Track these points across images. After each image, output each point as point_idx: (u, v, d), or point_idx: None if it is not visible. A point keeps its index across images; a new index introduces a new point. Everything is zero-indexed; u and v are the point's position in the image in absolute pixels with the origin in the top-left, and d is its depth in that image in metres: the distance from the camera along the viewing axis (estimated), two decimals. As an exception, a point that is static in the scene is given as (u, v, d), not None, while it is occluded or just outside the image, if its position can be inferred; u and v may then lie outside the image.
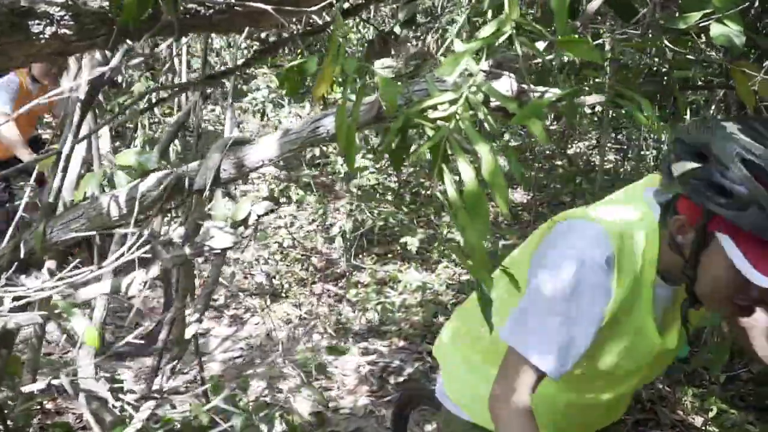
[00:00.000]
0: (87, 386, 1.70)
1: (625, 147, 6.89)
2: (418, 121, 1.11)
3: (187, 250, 1.21)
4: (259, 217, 1.27)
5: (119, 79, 5.98)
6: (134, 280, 1.22)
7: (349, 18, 1.37)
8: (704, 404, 2.89)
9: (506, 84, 1.19)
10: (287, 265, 4.23)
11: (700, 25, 1.43)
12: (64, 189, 1.52)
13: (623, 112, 6.16)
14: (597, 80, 1.67)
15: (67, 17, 1.03)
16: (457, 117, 1.07)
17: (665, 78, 1.58)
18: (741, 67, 1.48)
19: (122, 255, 1.12)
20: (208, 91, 1.63)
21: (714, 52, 1.59)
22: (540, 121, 1.06)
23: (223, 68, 4.11)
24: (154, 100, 3.10)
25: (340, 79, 1.18)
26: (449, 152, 1.09)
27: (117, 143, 4.52)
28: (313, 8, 1.10)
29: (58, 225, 1.21)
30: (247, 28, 1.73)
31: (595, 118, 6.78)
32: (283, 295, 3.90)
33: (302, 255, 4.30)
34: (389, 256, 4.64)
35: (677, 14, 1.46)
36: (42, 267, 1.28)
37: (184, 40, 3.16)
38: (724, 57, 1.44)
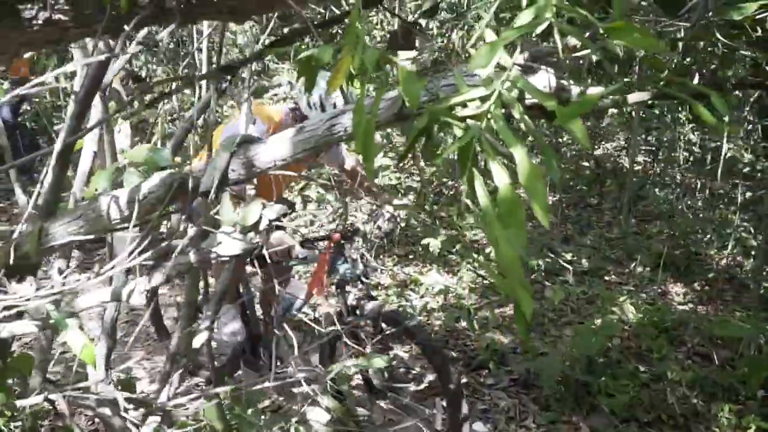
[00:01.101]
0: (98, 392, 1.63)
1: (655, 148, 6.69)
2: (444, 120, 0.99)
3: (193, 257, 1.11)
4: (270, 222, 1.17)
5: (143, 73, 5.95)
6: (136, 288, 1.13)
7: (371, 6, 1.27)
8: (741, 422, 2.73)
9: (543, 79, 1.07)
10: (304, 266, 4.14)
11: (757, 17, 1.31)
12: (76, 186, 1.44)
13: (655, 111, 5.96)
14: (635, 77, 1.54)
15: (62, 2, 0.94)
16: (489, 115, 0.96)
17: (713, 75, 1.45)
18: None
19: (126, 259, 1.03)
20: (224, 86, 1.53)
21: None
22: (581, 122, 0.94)
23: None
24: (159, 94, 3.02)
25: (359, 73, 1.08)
26: (479, 154, 0.98)
27: (137, 138, 4.48)
28: (331, -7, 0.99)
29: (55, 227, 1.13)
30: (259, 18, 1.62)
31: (624, 119, 6.59)
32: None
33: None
34: (410, 257, 4.53)
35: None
36: (36, 272, 1.19)
37: (206, 32, 3.08)
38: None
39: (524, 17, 0.96)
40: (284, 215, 1.18)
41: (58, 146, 1.05)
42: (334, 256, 2.64)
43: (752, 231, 4.85)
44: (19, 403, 1.14)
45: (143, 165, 1.55)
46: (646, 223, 5.52)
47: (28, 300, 1.03)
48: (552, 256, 4.48)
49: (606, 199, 6.01)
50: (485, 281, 4.17)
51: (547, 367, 2.82)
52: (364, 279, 2.64)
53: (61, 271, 1.38)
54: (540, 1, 0.94)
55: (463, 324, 3.57)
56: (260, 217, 1.15)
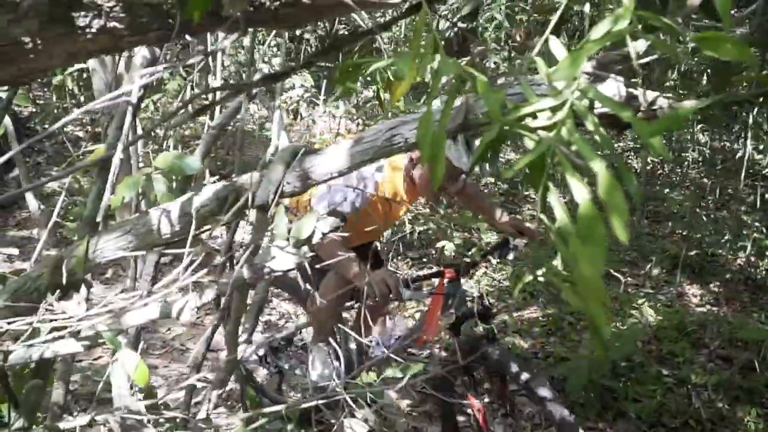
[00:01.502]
0: (122, 402, 1.59)
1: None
2: (516, 131, 0.96)
3: (246, 273, 1.07)
4: (324, 234, 1.13)
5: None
6: (186, 305, 1.09)
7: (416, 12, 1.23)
8: (769, 426, 2.71)
9: (613, 88, 1.04)
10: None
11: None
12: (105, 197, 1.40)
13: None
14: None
15: (117, 8, 0.90)
16: (564, 126, 0.93)
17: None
18: None
19: (176, 278, 1.00)
20: (254, 91, 1.50)
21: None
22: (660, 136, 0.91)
23: (266, 69, 4.00)
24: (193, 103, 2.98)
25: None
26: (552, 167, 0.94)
27: (148, 143, 4.44)
28: (396, 0, 0.96)
29: (102, 242, 1.09)
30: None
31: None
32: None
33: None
34: (425, 260, 4.50)
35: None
36: (81, 289, 1.16)
37: (221, 37, 3.04)
38: None
39: (602, 26, 0.93)
40: (336, 228, 1.14)
41: (118, 156, 1.02)
42: (448, 294, 2.34)
43: (764, 231, 4.83)
44: (62, 425, 1.10)
45: (170, 173, 1.52)
46: (657, 224, 5.50)
47: (79, 320, 0.99)
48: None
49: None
50: (502, 284, 4.13)
51: (574, 372, 2.79)
52: (482, 320, 2.30)
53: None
54: (620, 10, 0.91)
55: (481, 328, 3.53)
56: (314, 230, 1.12)
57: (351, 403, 1.36)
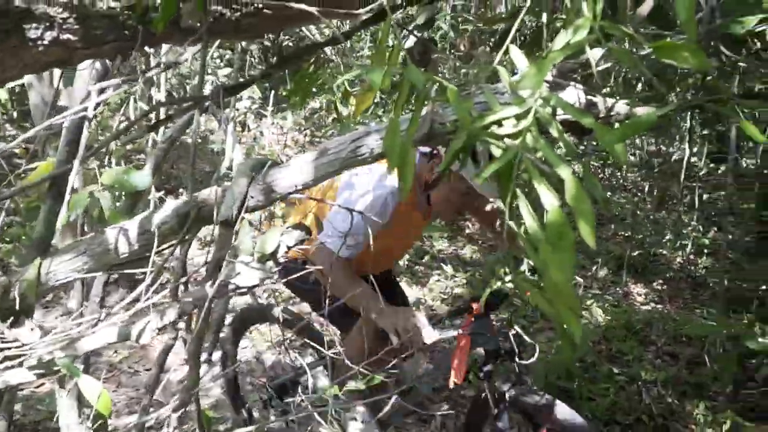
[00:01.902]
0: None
1: (605, 152, 6.88)
2: (484, 139, 0.96)
3: (209, 290, 1.04)
4: (289, 248, 1.11)
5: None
6: (147, 326, 1.05)
7: (378, 22, 1.23)
8: (717, 417, 2.81)
9: (573, 95, 1.06)
10: (273, 283, 4.04)
11: (757, 31, 1.33)
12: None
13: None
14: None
15: (71, 20, 0.86)
16: (530, 133, 0.94)
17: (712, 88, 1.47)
18: (799, 74, 1.37)
19: (137, 299, 0.96)
20: (206, 104, 1.46)
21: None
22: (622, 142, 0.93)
23: (212, 81, 3.88)
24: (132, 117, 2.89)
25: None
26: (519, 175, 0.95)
27: (89, 160, 4.27)
28: (361, 11, 0.95)
29: (54, 264, 1.04)
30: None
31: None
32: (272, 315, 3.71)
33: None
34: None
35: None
36: (33, 313, 1.10)
37: (164, 49, 2.96)
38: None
39: (564, 36, 0.95)
40: (302, 241, 1.12)
41: (75, 172, 0.97)
42: (476, 332, 2.12)
43: (701, 230, 5.05)
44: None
45: (119, 189, 1.47)
46: (601, 226, 5.66)
47: (33, 347, 0.94)
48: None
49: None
50: (455, 291, 4.17)
51: (531, 375, 2.83)
52: (514, 359, 2.09)
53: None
54: (580, 20, 0.93)
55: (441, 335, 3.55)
56: (278, 245, 1.09)
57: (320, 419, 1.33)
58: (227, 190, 1.04)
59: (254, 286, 1.07)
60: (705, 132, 5.23)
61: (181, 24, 0.95)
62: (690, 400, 2.97)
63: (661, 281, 4.53)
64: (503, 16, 2.07)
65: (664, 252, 4.91)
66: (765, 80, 1.44)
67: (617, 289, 4.31)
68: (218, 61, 6.02)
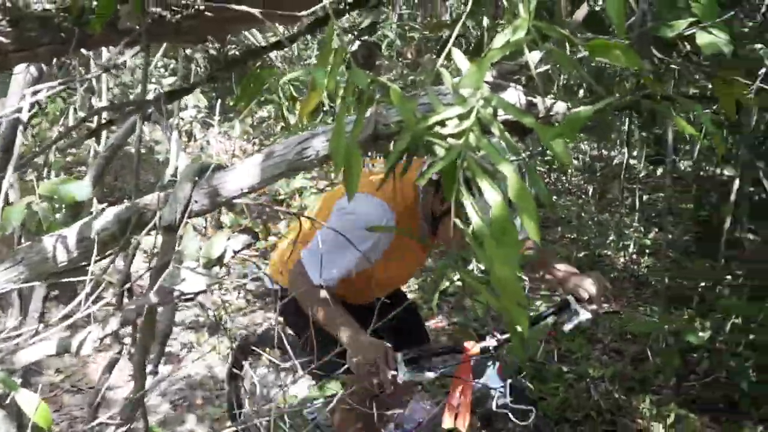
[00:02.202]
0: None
1: (551, 156, 7.06)
2: (428, 140, 0.98)
3: (153, 298, 1.02)
4: (236, 253, 1.10)
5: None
6: (88, 337, 1.01)
7: (322, 26, 1.23)
8: (661, 410, 2.90)
9: (513, 96, 1.08)
10: (222, 294, 3.98)
11: (686, 34, 1.40)
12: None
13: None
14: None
15: (3, 22, 0.84)
16: (472, 133, 0.95)
17: (645, 90, 1.53)
18: (728, 76, 1.44)
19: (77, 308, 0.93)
20: (149, 111, 1.44)
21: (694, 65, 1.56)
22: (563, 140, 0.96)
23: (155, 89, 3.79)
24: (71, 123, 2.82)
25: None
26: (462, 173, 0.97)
27: (24, 169, 4.13)
28: (303, 12, 0.95)
29: (-12, 275, 1.00)
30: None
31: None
32: (222, 327, 3.65)
33: (238, 283, 4.06)
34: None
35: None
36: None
37: (105, 56, 2.89)
38: (710, 67, 1.40)
39: (502, 37, 0.97)
40: (248, 245, 1.11)
41: (7, 179, 0.93)
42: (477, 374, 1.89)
43: (642, 230, 5.22)
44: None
45: (57, 201, 1.42)
46: (547, 229, 5.79)
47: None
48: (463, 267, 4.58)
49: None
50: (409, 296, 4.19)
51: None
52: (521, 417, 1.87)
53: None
54: (517, 21, 0.95)
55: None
56: (225, 250, 1.08)
57: None
58: (170, 194, 1.02)
59: (200, 293, 1.06)
60: (643, 134, 5.43)
61: (118, 26, 0.93)
62: (636, 395, 3.07)
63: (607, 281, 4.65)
64: (447, 22, 2.11)
65: (609, 253, 5.05)
66: (697, 83, 1.51)
67: (565, 289, 4.41)
68: (162, 70, 5.91)
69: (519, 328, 0.92)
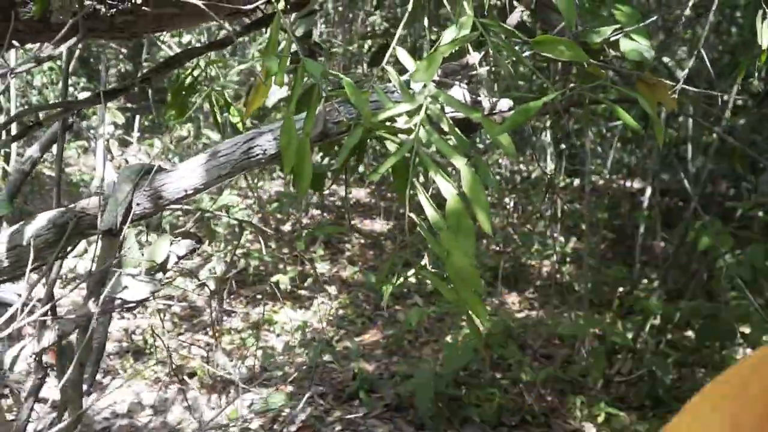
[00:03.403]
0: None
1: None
2: (380, 135, 0.98)
3: (93, 307, 0.96)
4: (179, 258, 1.05)
5: None
6: (22, 353, 0.94)
7: (264, 27, 1.21)
8: (592, 410, 3.00)
9: (458, 93, 1.10)
10: (147, 317, 3.82)
11: (611, 40, 1.47)
12: None
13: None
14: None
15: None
16: (423, 128, 0.96)
17: (572, 91, 1.60)
18: (649, 80, 1.53)
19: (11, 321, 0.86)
20: (71, 121, 1.37)
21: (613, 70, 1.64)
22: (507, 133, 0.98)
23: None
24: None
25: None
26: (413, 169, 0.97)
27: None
28: (249, 6, 0.94)
29: None
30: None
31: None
32: (147, 351, 3.49)
33: (162, 304, 3.90)
34: (259, 297, 4.38)
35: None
36: None
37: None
38: (635, 69, 1.48)
39: (450, 33, 0.99)
40: (193, 251, 1.07)
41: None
42: None
43: (562, 240, 5.43)
44: None
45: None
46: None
47: None
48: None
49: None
50: (340, 312, 4.16)
51: (420, 387, 2.87)
52: None
53: None
54: (463, 18, 0.97)
55: (326, 357, 3.51)
56: (168, 255, 1.03)
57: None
58: (110, 197, 0.97)
59: (143, 300, 1.00)
60: (562, 147, 5.66)
61: (51, 20, 0.89)
62: (567, 397, 3.15)
63: (532, 290, 4.80)
64: (377, 32, 2.12)
65: (533, 263, 5.21)
66: (620, 88, 1.59)
67: (493, 299, 4.51)
68: (71, 89, 5.64)
69: (477, 321, 0.93)
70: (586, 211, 4.53)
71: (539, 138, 6.84)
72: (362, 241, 5.75)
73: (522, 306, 4.51)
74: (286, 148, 0.95)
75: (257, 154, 1.03)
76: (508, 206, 6.42)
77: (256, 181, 4.86)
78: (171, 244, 1.03)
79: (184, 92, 1.52)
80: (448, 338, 3.77)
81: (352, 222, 6.17)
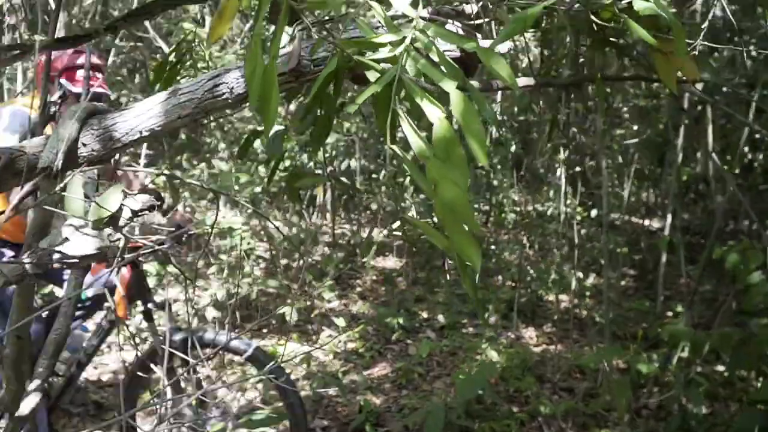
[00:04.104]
0: None
1: (488, 208, 7.10)
2: (359, 59, 0.86)
3: (29, 261, 0.83)
4: (135, 214, 0.92)
5: None
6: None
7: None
8: (617, 445, 2.76)
9: (452, 30, 0.98)
10: (141, 343, 3.66)
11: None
12: None
13: (482, 173, 6.34)
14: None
15: None
16: (410, 55, 0.84)
17: (585, 66, 1.48)
18: (665, 48, 1.40)
19: None
20: None
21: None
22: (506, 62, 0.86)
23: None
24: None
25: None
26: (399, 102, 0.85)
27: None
28: None
29: None
30: None
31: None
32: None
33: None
34: (264, 330, 4.22)
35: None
36: None
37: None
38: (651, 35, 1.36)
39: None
40: (151, 207, 0.94)
41: None
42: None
43: (581, 276, 5.22)
44: None
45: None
46: (489, 278, 5.72)
47: None
48: (409, 314, 4.44)
49: (448, 260, 6.18)
50: (349, 345, 3.97)
51: (431, 416, 2.66)
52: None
53: None
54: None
55: (332, 391, 3.32)
56: (121, 208, 0.91)
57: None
58: (52, 133, 0.85)
59: (88, 257, 0.87)
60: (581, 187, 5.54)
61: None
62: (589, 430, 2.92)
63: (550, 324, 4.58)
64: None
65: (550, 298, 5.00)
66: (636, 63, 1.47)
67: (509, 333, 4.30)
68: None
69: (469, 264, 0.78)
70: (604, 244, 4.34)
71: (554, 175, 6.73)
72: (374, 277, 5.60)
73: (540, 340, 4.29)
74: (251, 76, 0.83)
75: (223, 93, 0.91)
76: (523, 242, 6.25)
77: (267, 209, 4.77)
78: (126, 197, 0.91)
79: (168, 68, 1.43)
80: (467, 369, 3.56)
81: (363, 260, 6.04)
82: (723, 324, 3.75)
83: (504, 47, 1.01)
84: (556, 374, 3.54)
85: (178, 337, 2.41)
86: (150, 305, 2.50)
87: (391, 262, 6.10)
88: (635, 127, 5.90)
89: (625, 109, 6.21)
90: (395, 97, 0.81)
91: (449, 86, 0.79)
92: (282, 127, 1.60)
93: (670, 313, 4.47)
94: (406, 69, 0.84)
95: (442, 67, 0.86)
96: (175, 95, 0.89)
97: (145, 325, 2.84)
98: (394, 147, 0.81)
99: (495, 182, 6.57)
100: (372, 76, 0.86)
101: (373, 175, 6.01)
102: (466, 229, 0.75)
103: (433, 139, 0.77)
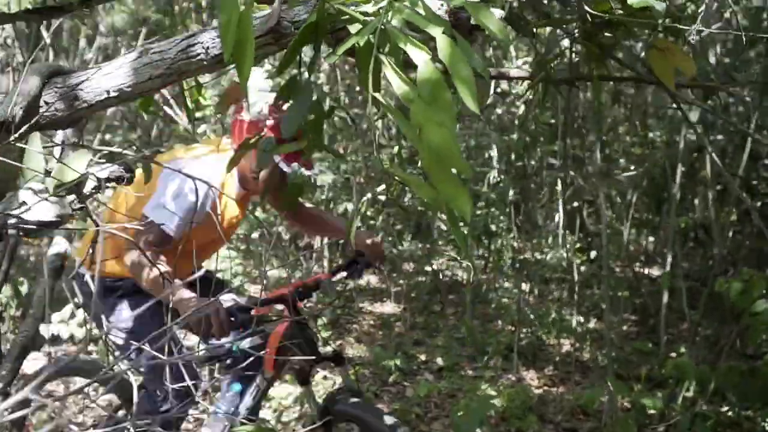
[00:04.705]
0: None
1: (486, 255, 7.02)
2: (340, 8, 0.81)
3: (-21, 224, 0.76)
4: (101, 183, 0.86)
5: None
6: None
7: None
8: (626, 486, 2.61)
9: (435, 3, 0.95)
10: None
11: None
12: None
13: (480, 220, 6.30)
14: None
15: None
16: (393, 8, 0.80)
17: (580, 65, 1.45)
18: (662, 44, 1.37)
19: None
20: None
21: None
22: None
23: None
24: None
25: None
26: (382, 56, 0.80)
27: None
28: None
29: None
30: None
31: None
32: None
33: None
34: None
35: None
36: None
37: None
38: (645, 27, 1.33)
39: None
40: (120, 179, 0.88)
41: None
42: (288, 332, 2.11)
43: (581, 320, 5.11)
44: None
45: None
46: (489, 323, 5.60)
47: None
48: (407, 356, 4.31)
49: (447, 306, 6.06)
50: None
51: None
52: (336, 363, 2.22)
53: None
54: None
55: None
56: (85, 177, 0.84)
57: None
58: (11, 88, 0.79)
59: (48, 225, 0.80)
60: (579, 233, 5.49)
61: None
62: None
63: (551, 367, 4.44)
64: None
65: (551, 341, 4.88)
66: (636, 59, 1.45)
67: (510, 375, 4.17)
68: None
69: (458, 211, 0.72)
70: (605, 288, 4.24)
71: (552, 222, 6.69)
72: (371, 321, 5.48)
73: (541, 382, 4.14)
74: (226, 25, 0.78)
75: (198, 54, 0.86)
76: (521, 287, 6.15)
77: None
78: (93, 164, 0.85)
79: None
80: (460, 405, 3.42)
81: (360, 305, 5.92)
82: (729, 356, 3.64)
83: (497, 13, 0.97)
84: (558, 414, 3.40)
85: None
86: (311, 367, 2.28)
87: (389, 307, 5.98)
88: (632, 168, 5.88)
89: (622, 160, 6.22)
90: (378, 49, 0.77)
91: (436, 31, 0.75)
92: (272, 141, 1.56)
93: (673, 354, 4.34)
94: (390, 22, 0.80)
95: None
96: (146, 55, 0.85)
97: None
98: (377, 95, 0.76)
99: (493, 227, 6.52)
100: (355, 29, 0.82)
101: (371, 221, 5.97)
102: (455, 173, 0.69)
103: (417, 81, 0.72)
